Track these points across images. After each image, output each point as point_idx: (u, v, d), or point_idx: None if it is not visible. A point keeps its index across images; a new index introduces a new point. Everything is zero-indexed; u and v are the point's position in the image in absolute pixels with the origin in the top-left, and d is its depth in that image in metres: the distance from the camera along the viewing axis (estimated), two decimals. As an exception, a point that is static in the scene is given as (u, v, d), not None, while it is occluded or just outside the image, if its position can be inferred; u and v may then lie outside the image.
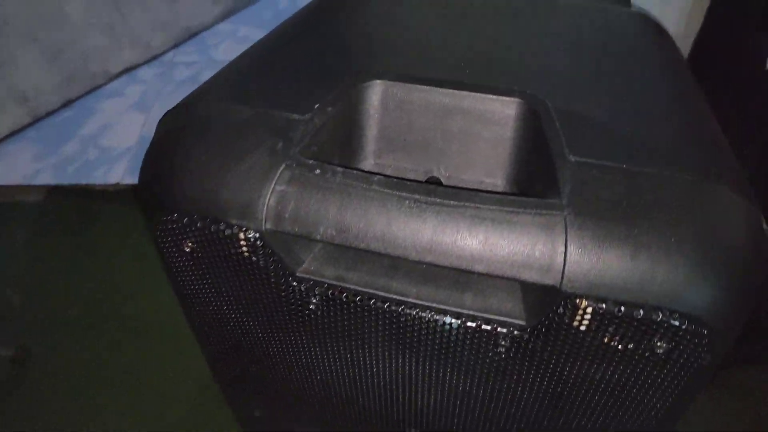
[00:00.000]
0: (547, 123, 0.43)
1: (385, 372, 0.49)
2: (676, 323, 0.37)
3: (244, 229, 0.42)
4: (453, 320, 0.43)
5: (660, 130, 0.45)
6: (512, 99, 0.45)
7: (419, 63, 0.50)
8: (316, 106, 0.44)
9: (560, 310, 0.38)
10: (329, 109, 0.45)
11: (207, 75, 1.76)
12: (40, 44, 1.66)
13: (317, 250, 0.47)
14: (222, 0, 1.91)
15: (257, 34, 1.95)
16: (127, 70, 1.86)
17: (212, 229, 0.42)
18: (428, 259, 0.39)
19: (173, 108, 0.47)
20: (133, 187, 1.60)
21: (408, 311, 0.44)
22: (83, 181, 1.60)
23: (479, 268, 0.38)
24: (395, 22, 0.56)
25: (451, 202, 0.39)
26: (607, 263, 0.37)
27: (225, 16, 1.95)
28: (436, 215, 0.39)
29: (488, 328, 0.42)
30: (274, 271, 0.44)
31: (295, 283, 0.45)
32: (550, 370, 0.44)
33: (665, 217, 0.38)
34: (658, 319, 0.37)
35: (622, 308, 0.37)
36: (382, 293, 0.44)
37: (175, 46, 1.91)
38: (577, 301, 0.38)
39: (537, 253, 0.38)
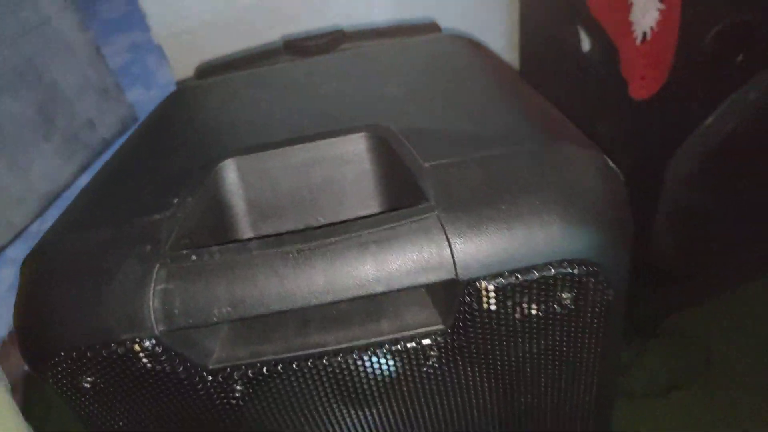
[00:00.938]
0: (396, 144, 0.45)
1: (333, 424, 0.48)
2: (569, 270, 0.39)
3: (137, 340, 0.40)
4: (378, 350, 0.43)
5: (498, 120, 0.49)
6: (359, 134, 0.47)
7: (263, 133, 0.51)
8: (175, 200, 0.44)
9: (466, 298, 0.39)
10: (189, 199, 0.44)
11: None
12: None
13: (224, 336, 0.45)
14: (75, 157, 1.87)
15: (120, 177, 1.90)
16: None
17: (105, 354, 0.40)
18: (329, 299, 0.39)
19: (31, 251, 0.45)
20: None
21: (333, 359, 0.43)
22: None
23: (379, 288, 0.39)
24: (231, 111, 0.57)
25: (332, 238, 0.40)
26: (490, 243, 0.39)
27: (81, 170, 1.91)
28: (323, 256, 0.39)
29: (413, 344, 0.42)
30: (185, 373, 0.42)
31: (210, 377, 0.43)
32: (483, 358, 0.44)
33: (525, 184, 0.40)
34: (551, 273, 0.39)
35: (518, 276, 0.39)
36: (301, 353, 0.43)
37: (39, 215, 1.83)
38: (477, 284, 0.39)
39: (425, 256, 0.39)
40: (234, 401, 0.45)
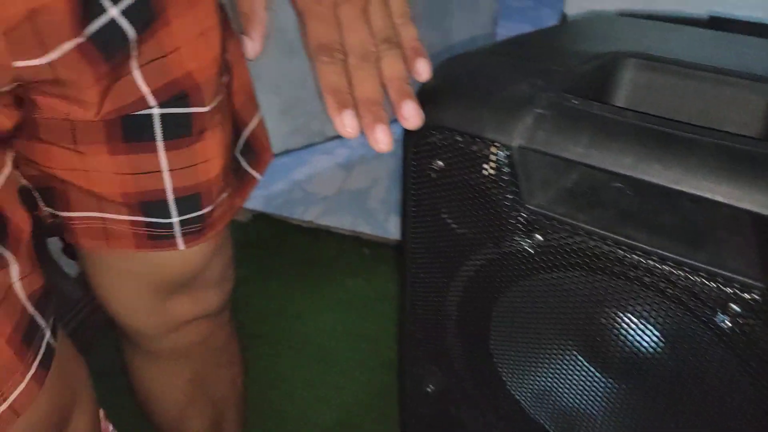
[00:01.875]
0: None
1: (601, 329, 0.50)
2: None
3: (496, 143, 0.47)
4: (681, 272, 0.43)
5: None
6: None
7: (667, 53, 0.54)
8: (574, 63, 0.50)
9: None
10: (585, 66, 0.50)
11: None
12: (279, 98, 1.96)
13: (549, 193, 0.50)
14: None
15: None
16: (340, 136, 2.11)
17: (466, 142, 0.49)
18: (676, 186, 0.41)
19: (448, 58, 0.55)
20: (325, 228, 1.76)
21: (637, 257, 0.45)
22: (284, 214, 1.80)
23: (720, 197, 0.39)
24: (641, 33, 0.61)
25: (704, 138, 0.41)
26: None
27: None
28: (685, 146, 0.41)
29: (718, 284, 0.42)
30: (511, 195, 0.49)
31: (525, 214, 0.49)
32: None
33: None
34: None
35: None
36: (611, 234, 0.46)
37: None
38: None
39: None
40: (527, 247, 0.50)
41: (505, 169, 0.48)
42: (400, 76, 0.43)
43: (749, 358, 0.43)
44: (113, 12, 0.41)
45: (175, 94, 0.47)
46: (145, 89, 0.46)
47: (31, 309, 0.46)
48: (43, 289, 0.48)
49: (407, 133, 0.54)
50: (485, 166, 0.49)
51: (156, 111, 0.48)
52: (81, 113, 0.46)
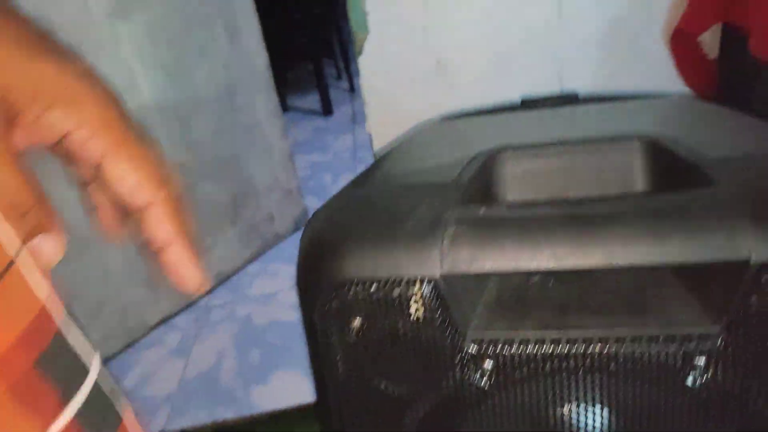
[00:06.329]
0: (671, 144, 0.47)
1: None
2: None
3: (419, 279, 0.42)
4: (644, 346, 0.41)
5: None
6: (629, 140, 0.50)
7: (526, 139, 0.55)
8: (458, 172, 0.48)
9: (755, 286, 0.37)
10: (467, 172, 0.48)
11: (241, 312, 1.77)
12: (81, 302, 1.71)
13: (481, 313, 0.46)
14: (251, 245, 2.04)
15: (286, 270, 2.00)
16: (164, 320, 1.89)
17: (385, 289, 0.42)
18: (616, 261, 0.39)
19: (324, 204, 0.50)
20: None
21: (591, 347, 0.41)
22: (126, 434, 1.51)
23: (657, 259, 0.38)
24: (488, 129, 0.62)
25: (617, 206, 0.40)
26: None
27: (252, 258, 2.06)
28: (607, 220, 0.40)
29: (677, 345, 0.40)
30: (449, 330, 0.43)
31: (471, 344, 0.43)
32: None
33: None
34: None
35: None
36: (557, 333, 0.42)
37: (209, 291, 1.98)
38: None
39: (714, 233, 0.38)
40: (478, 378, 0.44)
41: (435, 304, 0.42)
42: None
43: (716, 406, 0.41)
44: None
45: None
46: None
47: None
48: None
49: (304, 292, 0.46)
50: (411, 309, 0.43)
51: None
52: None
